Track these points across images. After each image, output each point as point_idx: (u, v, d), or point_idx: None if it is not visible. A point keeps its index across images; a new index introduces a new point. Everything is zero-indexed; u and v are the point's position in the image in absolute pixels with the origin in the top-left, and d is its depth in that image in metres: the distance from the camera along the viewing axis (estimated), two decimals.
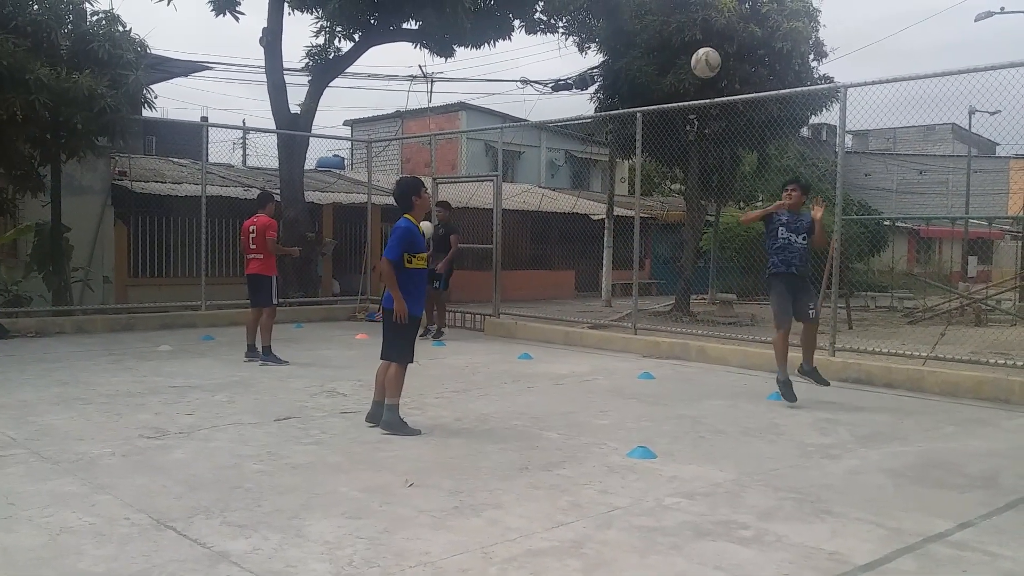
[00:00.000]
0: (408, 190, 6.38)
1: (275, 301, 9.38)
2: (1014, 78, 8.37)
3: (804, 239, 7.54)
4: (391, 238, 6.22)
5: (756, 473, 5.21)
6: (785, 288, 7.52)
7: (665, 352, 10.68)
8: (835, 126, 10.78)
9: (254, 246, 9.37)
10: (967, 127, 30.71)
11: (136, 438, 5.81)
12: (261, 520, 4.16)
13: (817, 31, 14.15)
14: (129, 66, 11.70)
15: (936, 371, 8.52)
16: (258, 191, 10.60)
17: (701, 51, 10.98)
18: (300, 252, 10.62)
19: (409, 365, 6.30)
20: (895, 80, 9.15)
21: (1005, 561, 3.84)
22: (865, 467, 5.45)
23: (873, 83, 9.29)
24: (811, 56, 14.26)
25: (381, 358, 6.34)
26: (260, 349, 9.38)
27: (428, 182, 15.35)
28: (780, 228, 7.60)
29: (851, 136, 39.19)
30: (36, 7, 11.26)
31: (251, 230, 9.40)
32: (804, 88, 12.43)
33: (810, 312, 7.62)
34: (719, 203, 19.00)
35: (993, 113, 17.43)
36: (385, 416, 6.12)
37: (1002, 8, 23.00)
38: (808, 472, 5.31)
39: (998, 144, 37.00)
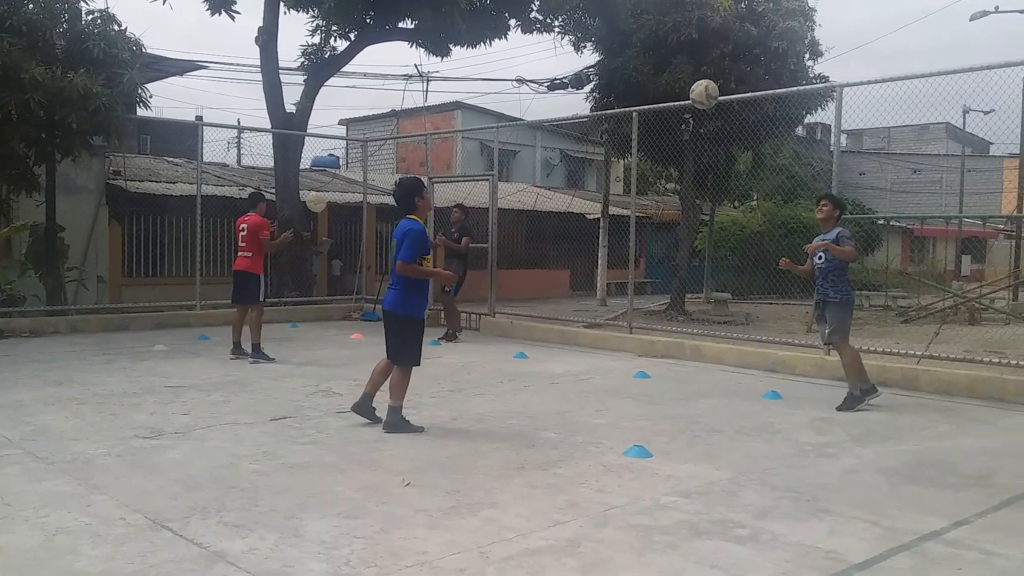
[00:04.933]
0: (412, 191, 6.31)
1: (262, 298, 9.64)
2: (1008, 78, 8.44)
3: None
4: (407, 241, 6.04)
5: (752, 472, 5.23)
6: None
7: (660, 351, 10.69)
8: (830, 125, 10.80)
9: (243, 244, 9.62)
10: (961, 126, 30.75)
11: (132, 438, 5.80)
12: (258, 520, 4.16)
13: (813, 31, 14.17)
14: (124, 65, 11.68)
15: (930, 370, 8.55)
16: (251, 191, 10.86)
17: (702, 83, 10.36)
18: (292, 235, 11.16)
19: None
20: (890, 80, 9.19)
21: (1000, 559, 3.86)
22: (861, 466, 5.47)
23: (868, 83, 9.32)
24: (807, 55, 14.28)
25: (388, 358, 6.34)
26: (249, 347, 9.52)
27: (425, 182, 15.35)
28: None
29: (846, 135, 39.31)
30: (31, 6, 11.23)
31: (242, 228, 9.65)
32: (800, 87, 12.43)
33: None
34: (714, 202, 19.02)
35: (987, 112, 17.53)
36: (388, 418, 6.13)
37: (996, 7, 23.03)
38: (804, 471, 5.32)
39: (992, 143, 37.28)
